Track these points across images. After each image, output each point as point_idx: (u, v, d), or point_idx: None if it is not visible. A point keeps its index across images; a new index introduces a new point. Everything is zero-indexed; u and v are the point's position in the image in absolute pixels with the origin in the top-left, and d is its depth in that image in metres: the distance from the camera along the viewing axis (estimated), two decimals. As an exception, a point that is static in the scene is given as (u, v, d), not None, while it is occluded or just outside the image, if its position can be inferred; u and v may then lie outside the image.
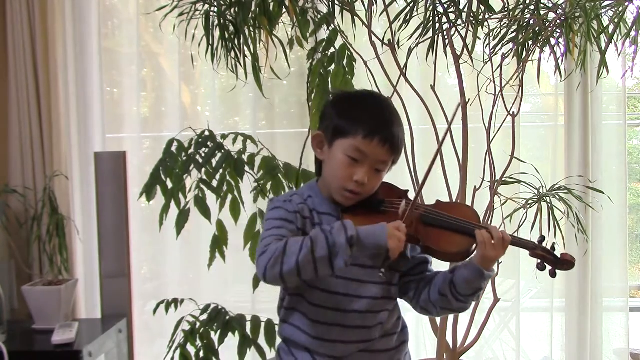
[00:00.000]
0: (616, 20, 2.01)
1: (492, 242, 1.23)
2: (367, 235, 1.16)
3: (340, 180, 1.27)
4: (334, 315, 1.28)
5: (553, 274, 1.30)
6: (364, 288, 1.29)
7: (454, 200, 2.13)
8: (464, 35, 2.08)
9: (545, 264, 1.29)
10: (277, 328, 1.41)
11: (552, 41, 2.15)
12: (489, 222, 2.10)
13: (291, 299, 1.32)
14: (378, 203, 1.31)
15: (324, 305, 1.28)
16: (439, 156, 2.13)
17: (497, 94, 2.15)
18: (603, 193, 2.58)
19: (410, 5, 2.08)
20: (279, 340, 1.40)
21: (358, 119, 1.26)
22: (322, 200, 1.32)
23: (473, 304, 1.33)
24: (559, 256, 1.29)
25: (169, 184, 2.03)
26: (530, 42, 2.14)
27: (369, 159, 1.25)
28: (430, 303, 1.33)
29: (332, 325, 1.28)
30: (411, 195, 1.35)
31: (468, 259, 1.29)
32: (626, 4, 2.01)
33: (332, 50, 2.10)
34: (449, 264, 1.48)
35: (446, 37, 2.08)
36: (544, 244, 1.30)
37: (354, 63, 2.11)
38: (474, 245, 1.26)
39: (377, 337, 1.31)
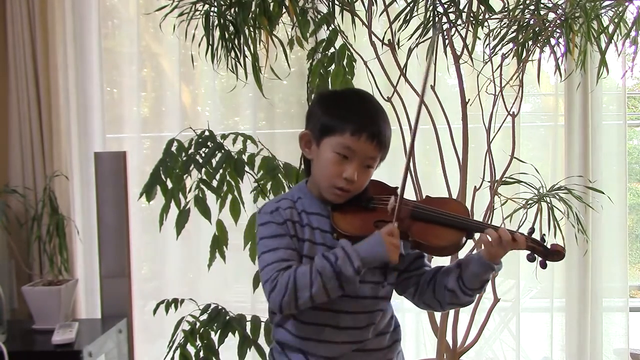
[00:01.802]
0: (616, 20, 2.01)
1: (500, 241, 1.24)
2: (369, 257, 1.19)
3: (330, 177, 1.27)
4: (325, 316, 1.28)
5: (544, 265, 1.30)
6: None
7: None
8: (464, 35, 2.08)
9: (535, 254, 1.29)
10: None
11: (552, 41, 2.15)
12: (489, 222, 2.10)
13: None
14: (367, 200, 1.32)
15: (316, 306, 1.28)
16: (438, 156, 2.16)
17: (497, 94, 2.15)
18: (603, 193, 2.59)
19: (410, 5, 2.08)
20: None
21: (345, 116, 1.27)
22: (312, 200, 1.33)
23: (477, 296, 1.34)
24: (549, 247, 1.29)
25: (169, 184, 2.03)
26: (530, 42, 2.14)
27: (358, 155, 1.26)
28: (436, 300, 1.33)
29: (324, 326, 1.28)
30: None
31: (461, 253, 1.32)
32: (626, 4, 2.01)
33: (332, 50, 2.10)
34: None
35: (446, 37, 2.08)
36: (533, 236, 1.30)
37: (354, 63, 2.11)
38: (464, 239, 1.28)
39: (370, 337, 1.32)
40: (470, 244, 1.42)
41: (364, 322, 1.31)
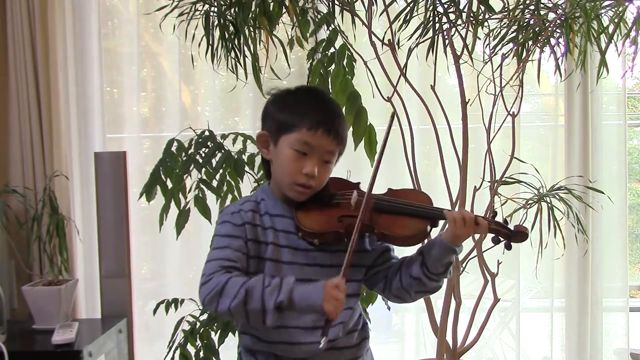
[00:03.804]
0: (616, 20, 2.01)
1: (464, 222, 1.26)
2: (301, 298, 1.15)
3: (290, 175, 1.27)
4: (293, 318, 1.26)
5: (508, 247, 1.31)
6: None
7: (454, 200, 2.13)
8: (464, 35, 2.08)
9: (499, 237, 1.30)
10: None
11: (552, 41, 2.14)
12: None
13: None
14: (330, 197, 1.32)
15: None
16: (438, 156, 2.16)
17: (497, 94, 2.15)
18: (603, 193, 2.58)
19: (410, 5, 2.08)
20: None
21: (300, 112, 1.28)
22: (275, 202, 1.33)
23: (445, 281, 1.34)
24: (512, 228, 1.30)
25: (169, 184, 2.03)
26: (530, 42, 2.14)
27: (316, 150, 1.27)
28: (403, 289, 1.33)
29: (294, 328, 1.27)
30: (363, 187, 1.36)
31: (426, 240, 1.31)
32: (626, 4, 2.01)
33: (332, 50, 2.10)
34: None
35: (446, 37, 2.08)
36: (496, 219, 1.31)
37: (354, 63, 2.11)
38: (429, 227, 1.29)
39: (340, 335, 1.31)
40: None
41: (336, 320, 1.27)
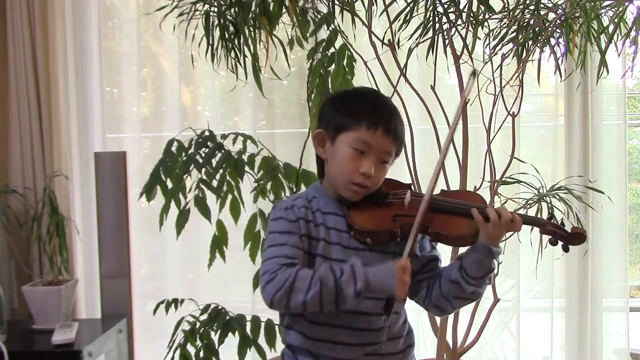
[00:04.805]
0: (616, 20, 2.01)
1: (500, 221, 1.24)
2: (376, 284, 1.17)
3: (347, 173, 1.27)
4: (339, 317, 1.26)
5: (566, 249, 1.30)
6: None
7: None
8: (464, 35, 2.08)
9: (557, 239, 1.29)
10: (280, 332, 1.40)
11: (552, 41, 2.15)
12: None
13: None
14: (382, 196, 1.32)
15: None
16: (438, 156, 2.16)
17: (497, 94, 2.15)
18: (603, 193, 2.58)
19: (410, 5, 2.08)
20: (280, 343, 1.39)
21: (360, 111, 1.28)
22: (327, 200, 1.33)
23: (485, 288, 1.33)
24: (570, 231, 1.29)
25: (169, 184, 2.03)
26: (530, 42, 2.14)
27: (374, 150, 1.27)
28: (443, 297, 1.32)
29: (338, 327, 1.27)
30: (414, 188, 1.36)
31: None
32: (626, 4, 2.01)
33: (332, 50, 2.10)
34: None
35: (446, 37, 2.08)
36: (552, 221, 1.31)
37: (354, 63, 2.11)
38: None
39: (383, 340, 1.30)
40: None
41: (379, 323, 1.29)
